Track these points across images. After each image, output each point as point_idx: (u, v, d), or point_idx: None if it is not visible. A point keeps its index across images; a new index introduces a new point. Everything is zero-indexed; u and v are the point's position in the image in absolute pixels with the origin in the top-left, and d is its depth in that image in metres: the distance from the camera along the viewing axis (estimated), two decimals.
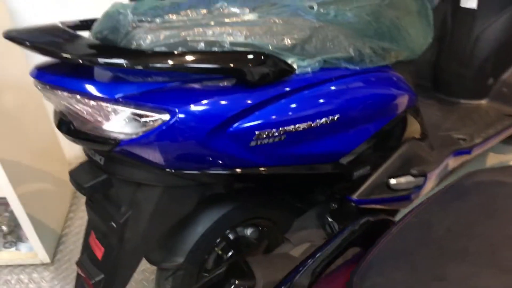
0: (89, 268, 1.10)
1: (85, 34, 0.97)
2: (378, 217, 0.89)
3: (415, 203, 1.40)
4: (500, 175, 0.73)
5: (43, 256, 1.67)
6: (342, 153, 1.12)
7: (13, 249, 1.73)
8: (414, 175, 1.29)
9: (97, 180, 0.99)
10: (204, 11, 0.98)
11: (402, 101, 1.23)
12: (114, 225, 1.04)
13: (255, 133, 0.94)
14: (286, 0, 1.11)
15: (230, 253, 1.35)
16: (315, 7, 1.09)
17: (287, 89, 0.97)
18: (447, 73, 1.86)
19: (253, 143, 0.96)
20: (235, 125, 0.92)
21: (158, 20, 0.93)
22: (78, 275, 1.19)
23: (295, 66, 0.99)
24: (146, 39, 0.88)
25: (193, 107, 0.88)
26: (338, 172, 1.13)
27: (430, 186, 1.42)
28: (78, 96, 0.87)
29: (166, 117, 0.86)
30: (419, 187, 1.33)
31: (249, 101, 0.92)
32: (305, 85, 1.00)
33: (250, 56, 0.91)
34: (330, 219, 1.35)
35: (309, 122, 1.00)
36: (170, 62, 0.83)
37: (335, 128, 1.05)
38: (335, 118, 1.03)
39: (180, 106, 0.87)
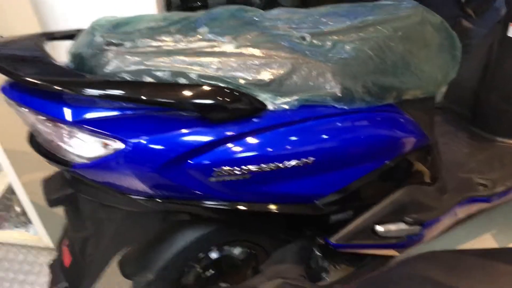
0: (57, 273, 1.15)
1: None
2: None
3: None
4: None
5: (47, 241, 1.77)
6: (317, 195, 1.08)
7: (23, 230, 1.84)
8: (408, 223, 1.21)
9: (62, 194, 1.03)
10: (180, 37, 0.97)
11: (401, 144, 1.16)
12: (79, 238, 1.07)
13: (213, 169, 0.93)
14: (279, 27, 1.07)
15: (210, 272, 1.35)
16: (308, 39, 1.04)
17: (254, 127, 0.94)
18: (487, 106, 1.73)
19: (213, 179, 0.95)
20: (193, 159, 0.92)
21: (128, 44, 0.93)
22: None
23: (268, 103, 0.96)
24: (110, 64, 0.89)
25: (147, 139, 0.88)
26: (312, 215, 1.08)
27: (431, 234, 1.34)
28: (38, 116, 0.89)
29: (119, 145, 0.87)
30: (415, 236, 1.26)
31: (209, 137, 0.91)
32: (276, 124, 0.96)
33: (213, 92, 0.89)
34: (317, 253, 1.31)
35: (276, 163, 0.96)
36: (118, 91, 0.83)
37: (309, 171, 1.01)
38: (309, 161, 0.99)
39: (134, 136, 0.87)
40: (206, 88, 0.89)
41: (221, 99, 0.89)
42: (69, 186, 1.03)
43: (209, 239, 1.25)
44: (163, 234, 1.23)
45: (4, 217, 1.89)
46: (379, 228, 1.18)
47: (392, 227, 1.20)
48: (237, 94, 0.91)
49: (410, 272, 0.67)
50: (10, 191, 1.88)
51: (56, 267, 1.17)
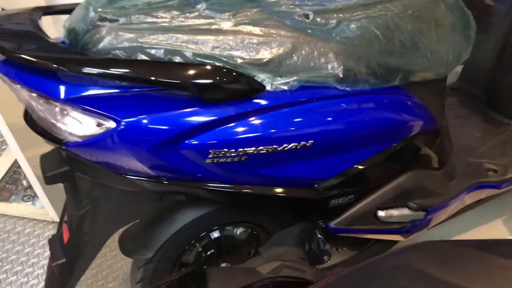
0: (56, 249, 1.16)
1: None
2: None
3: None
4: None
5: (53, 215, 1.79)
6: (317, 179, 1.06)
7: (30, 203, 1.87)
8: (411, 208, 1.19)
9: (58, 171, 1.02)
10: (177, 13, 0.94)
11: (407, 127, 1.13)
12: (76, 216, 1.07)
13: (209, 151, 0.91)
14: (281, 4, 1.03)
15: (211, 251, 1.36)
16: (311, 16, 1.01)
17: (251, 108, 0.92)
18: (503, 89, 1.67)
19: (208, 161, 0.93)
20: (188, 140, 0.90)
21: (122, 19, 0.90)
22: None
23: (267, 83, 0.93)
24: (103, 41, 0.87)
25: (141, 118, 0.86)
26: (311, 198, 1.07)
27: (437, 220, 1.32)
28: (32, 93, 0.88)
29: (111, 124, 0.86)
30: (419, 221, 1.24)
31: (205, 118, 0.89)
32: (274, 105, 0.94)
33: (208, 71, 0.87)
34: (319, 236, 1.30)
35: (274, 146, 0.94)
36: (111, 70, 0.81)
37: (308, 154, 0.99)
38: (308, 144, 0.97)
39: (127, 116, 0.86)
40: (201, 67, 0.87)
41: (217, 79, 0.87)
42: (65, 164, 1.03)
43: (209, 220, 1.25)
44: (163, 213, 1.23)
45: (12, 190, 1.92)
46: (381, 213, 1.16)
47: (395, 212, 1.18)
48: (234, 74, 0.89)
49: (400, 264, 0.65)
50: (17, 165, 1.90)
51: (55, 243, 1.18)
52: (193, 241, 1.29)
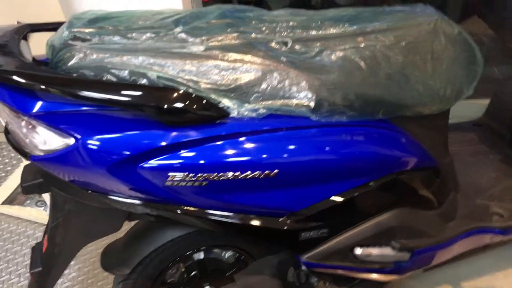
0: (36, 257, 1.20)
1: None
2: None
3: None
4: None
5: None
6: (284, 210, 1.04)
7: (42, 208, 1.96)
8: (394, 248, 1.14)
9: (34, 182, 1.07)
10: (152, 35, 0.97)
11: (390, 163, 1.09)
12: (50, 227, 1.12)
13: (168, 174, 0.93)
14: (264, 30, 1.03)
15: (194, 273, 1.36)
16: (289, 44, 1.01)
17: (212, 134, 0.93)
18: None
19: (168, 183, 0.94)
20: (146, 162, 0.92)
21: (95, 39, 0.94)
22: None
23: (233, 110, 0.94)
24: (71, 59, 0.91)
25: (99, 137, 0.89)
26: (279, 229, 1.05)
27: (427, 263, 1.26)
28: (4, 107, 0.93)
29: (70, 141, 0.89)
30: (404, 263, 1.18)
31: (163, 141, 0.91)
32: (237, 132, 0.94)
33: (168, 94, 0.88)
34: (303, 268, 1.27)
35: (236, 173, 0.94)
36: (63, 88, 0.85)
37: (272, 183, 0.98)
38: (272, 173, 0.96)
39: (86, 134, 0.89)
40: (160, 90, 0.89)
41: (176, 103, 0.88)
42: (40, 176, 1.07)
43: (190, 242, 1.26)
44: (142, 231, 1.25)
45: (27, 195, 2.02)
46: (358, 250, 1.12)
47: (375, 251, 1.13)
48: (194, 99, 0.90)
49: None
50: None
51: (37, 250, 1.23)
52: (174, 261, 1.30)
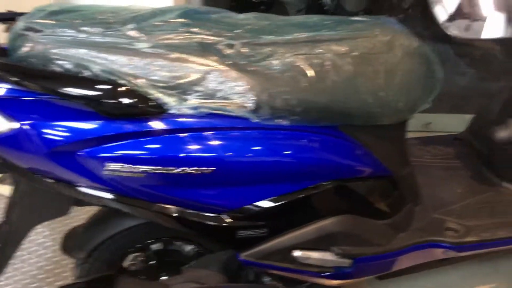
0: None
1: None
2: None
3: None
4: None
5: None
6: (221, 207, 1.08)
7: None
8: (336, 254, 1.16)
9: None
10: (102, 30, 1.02)
11: (332, 169, 1.12)
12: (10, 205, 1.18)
13: (105, 164, 0.97)
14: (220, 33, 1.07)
15: (152, 262, 1.41)
16: (236, 47, 1.04)
17: (149, 128, 0.97)
18: (497, 145, 1.57)
19: (106, 172, 0.99)
20: (84, 150, 0.97)
21: (47, 31, 1.00)
22: None
23: (172, 106, 0.98)
24: (21, 48, 0.97)
25: (40, 123, 0.94)
26: (216, 226, 1.09)
27: (373, 272, 1.27)
28: None
29: (13, 125, 0.95)
30: (346, 269, 1.20)
31: (100, 131, 0.96)
32: (174, 128, 0.98)
33: (106, 88, 0.93)
34: None
35: (172, 168, 0.98)
36: (13, 77, 0.90)
37: (209, 180, 1.02)
38: (209, 170, 1.00)
39: (26, 119, 0.94)
40: (99, 83, 0.94)
41: (112, 96, 0.93)
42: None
43: (147, 231, 1.30)
44: (99, 217, 1.31)
45: None
46: (297, 253, 1.15)
47: (314, 254, 1.16)
48: (131, 93, 0.94)
49: None
50: None
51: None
52: (131, 249, 1.35)
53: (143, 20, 1.06)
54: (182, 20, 1.08)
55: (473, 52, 1.97)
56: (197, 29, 1.05)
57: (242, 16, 1.23)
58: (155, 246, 1.39)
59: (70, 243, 1.33)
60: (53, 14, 1.05)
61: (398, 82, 1.12)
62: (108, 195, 1.05)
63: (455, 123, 2.11)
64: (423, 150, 1.65)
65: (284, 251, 1.14)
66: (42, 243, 1.85)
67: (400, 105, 1.14)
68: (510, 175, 1.54)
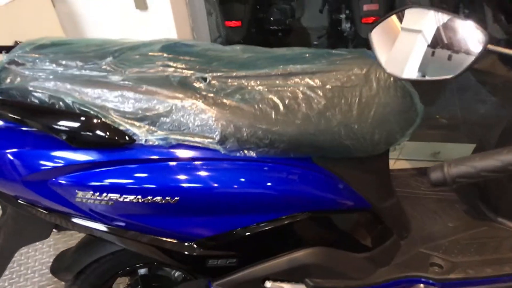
0: None
1: None
2: None
3: None
4: None
5: None
6: (190, 236, 1.10)
7: None
8: (307, 286, 1.16)
9: None
10: (82, 64, 1.07)
11: (304, 201, 1.12)
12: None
13: (76, 191, 1.01)
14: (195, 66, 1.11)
15: (138, 287, 1.44)
16: (208, 79, 1.08)
17: (118, 158, 1.01)
18: (498, 180, 1.53)
19: (78, 200, 1.03)
20: (56, 178, 1.01)
21: (29, 64, 1.06)
22: None
23: (141, 137, 1.01)
24: (4, 81, 1.04)
25: (14, 151, 1.00)
26: (186, 254, 1.11)
27: None
28: None
29: None
30: None
31: (71, 161, 1.01)
32: (142, 158, 1.02)
33: (73, 119, 0.98)
34: None
35: (137, 196, 1.02)
36: None
37: (175, 210, 1.04)
38: (173, 200, 1.02)
39: (3, 147, 1.00)
40: (69, 115, 0.99)
41: (82, 127, 0.98)
42: None
43: (128, 257, 1.33)
44: (88, 241, 1.35)
45: None
46: (269, 284, 1.15)
47: (286, 286, 1.16)
48: (101, 124, 0.99)
49: None
50: None
51: None
52: (117, 273, 1.39)
53: (122, 53, 1.11)
54: (161, 53, 1.12)
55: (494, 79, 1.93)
56: (173, 62, 1.09)
57: (227, 48, 1.26)
58: (142, 271, 1.42)
59: (59, 265, 1.38)
60: (40, 47, 1.12)
61: (373, 115, 1.12)
62: (82, 222, 1.08)
63: (465, 152, 2.06)
64: (419, 181, 1.62)
65: (256, 281, 1.15)
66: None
67: (376, 138, 1.13)
68: (506, 210, 1.49)
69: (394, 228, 1.33)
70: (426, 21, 0.75)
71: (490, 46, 0.71)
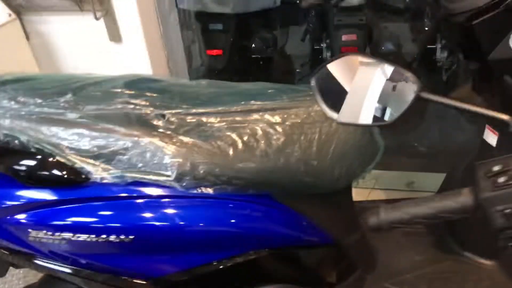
0: None
1: None
2: None
3: None
4: None
5: None
6: (147, 275, 1.09)
7: None
8: None
9: None
10: (40, 101, 1.07)
11: (262, 238, 1.11)
12: None
13: (29, 230, 1.00)
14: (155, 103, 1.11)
15: None
16: (167, 117, 1.08)
17: (71, 196, 1.01)
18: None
19: (31, 238, 1.02)
20: (8, 217, 1.00)
21: None
22: None
23: (95, 175, 1.01)
24: None
25: None
26: None
27: None
28: None
29: None
30: None
31: (22, 199, 1.00)
32: (96, 196, 1.01)
33: (27, 158, 0.98)
34: None
35: (91, 235, 1.01)
36: None
37: (130, 249, 1.03)
38: (127, 239, 1.01)
39: None
40: (22, 154, 0.98)
41: (34, 167, 0.97)
42: None
43: None
44: (48, 278, 1.33)
45: None
46: None
47: None
48: (54, 163, 0.98)
49: None
50: None
51: None
52: None
53: (83, 89, 1.11)
54: (122, 90, 1.13)
55: None
56: (134, 99, 1.10)
57: (192, 83, 1.28)
58: None
59: None
60: (1, 84, 1.11)
61: (333, 152, 1.13)
62: (37, 261, 1.07)
63: (438, 182, 2.06)
64: None
65: None
66: None
67: (336, 174, 1.14)
68: (472, 244, 1.49)
69: (359, 263, 1.33)
70: (363, 69, 0.77)
71: (423, 94, 0.72)
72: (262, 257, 1.12)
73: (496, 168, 0.70)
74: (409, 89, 0.73)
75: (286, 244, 1.15)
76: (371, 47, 3.40)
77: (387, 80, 0.74)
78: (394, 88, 0.74)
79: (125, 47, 1.88)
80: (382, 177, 2.34)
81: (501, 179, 0.68)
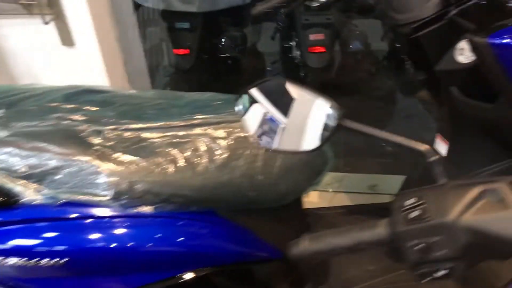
0: None
1: None
2: None
3: None
4: None
5: None
6: None
7: None
8: None
9: None
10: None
11: (204, 256, 1.09)
12: None
13: None
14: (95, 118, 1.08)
15: None
16: (103, 133, 1.04)
17: (3, 219, 0.97)
18: None
19: None
20: None
21: None
22: None
23: (26, 196, 0.97)
24: None
25: None
26: None
27: None
28: None
29: None
30: None
31: None
32: (27, 218, 0.97)
33: None
34: None
35: (22, 259, 0.97)
36: None
37: (65, 271, 1.00)
38: (62, 261, 0.98)
39: None
40: None
41: None
42: None
43: None
44: None
45: None
46: None
47: None
48: None
49: None
50: None
51: None
52: None
53: (19, 103, 1.07)
54: (59, 104, 1.09)
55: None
56: (71, 114, 1.06)
57: (138, 94, 1.24)
58: None
59: None
60: None
61: (279, 166, 1.10)
62: None
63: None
64: (342, 222, 1.61)
65: None
66: None
67: (282, 188, 1.12)
68: None
69: (309, 275, 1.31)
70: (286, 95, 0.74)
71: (345, 122, 0.70)
72: (209, 275, 1.10)
73: (409, 202, 0.68)
74: (331, 117, 0.71)
75: (233, 260, 1.12)
76: (340, 45, 3.40)
77: (309, 108, 0.72)
78: (315, 116, 0.72)
79: (78, 51, 1.82)
80: (346, 180, 2.34)
81: (414, 214, 0.66)
